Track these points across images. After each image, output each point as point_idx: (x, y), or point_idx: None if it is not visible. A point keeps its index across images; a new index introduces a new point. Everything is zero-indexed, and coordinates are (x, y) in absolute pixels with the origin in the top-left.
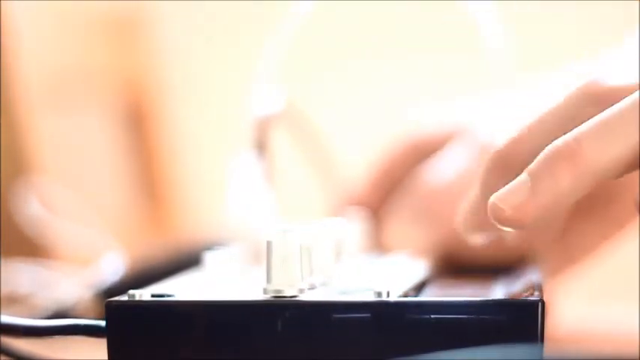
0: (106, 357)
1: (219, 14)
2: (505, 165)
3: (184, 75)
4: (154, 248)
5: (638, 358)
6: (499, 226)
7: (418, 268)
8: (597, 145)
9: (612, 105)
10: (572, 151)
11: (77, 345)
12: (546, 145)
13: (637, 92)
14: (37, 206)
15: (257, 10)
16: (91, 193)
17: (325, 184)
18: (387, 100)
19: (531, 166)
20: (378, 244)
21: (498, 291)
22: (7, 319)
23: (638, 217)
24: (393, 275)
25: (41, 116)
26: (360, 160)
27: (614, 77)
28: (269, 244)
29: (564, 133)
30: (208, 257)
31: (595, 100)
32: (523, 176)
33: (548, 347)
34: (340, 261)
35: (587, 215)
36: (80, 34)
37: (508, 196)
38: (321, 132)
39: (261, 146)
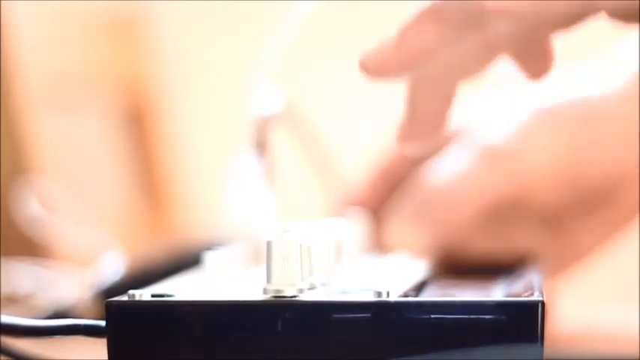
0: (106, 357)
1: (219, 14)
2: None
3: (184, 75)
4: (154, 248)
5: (638, 358)
6: (368, 77)
7: (418, 268)
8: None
9: None
10: (435, 5)
11: (77, 345)
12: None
13: None
14: (37, 206)
15: (257, 10)
16: (91, 193)
17: (325, 184)
18: (387, 100)
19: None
20: (378, 244)
21: (498, 291)
22: (7, 319)
23: (637, 218)
24: (393, 275)
25: (41, 116)
26: (360, 160)
27: None
28: (269, 244)
29: None
30: (208, 257)
31: None
32: (392, 34)
33: (548, 347)
34: (340, 261)
35: (587, 215)
36: (80, 35)
37: (374, 50)
38: (321, 132)
39: (261, 146)
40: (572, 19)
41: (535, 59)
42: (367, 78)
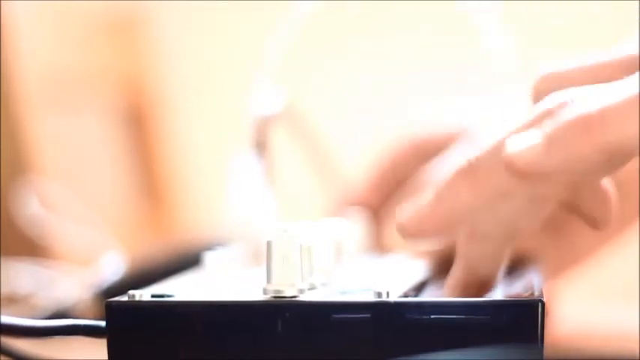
0: (106, 357)
1: (219, 14)
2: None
3: (184, 75)
4: (154, 248)
5: (638, 358)
6: (405, 239)
7: (418, 268)
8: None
9: None
10: (470, 164)
11: (77, 345)
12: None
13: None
14: (37, 206)
15: (257, 10)
16: (91, 193)
17: (325, 184)
18: (387, 100)
19: (551, 126)
20: (378, 244)
21: (498, 291)
22: (7, 319)
23: (638, 219)
24: (393, 275)
25: (41, 116)
26: (360, 160)
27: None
28: (269, 244)
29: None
30: (208, 257)
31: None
32: (428, 192)
33: (548, 347)
34: (340, 261)
35: None
36: (80, 35)
37: (411, 210)
38: (320, 132)
39: (261, 146)
40: (607, 165)
41: (592, 206)
42: (404, 238)
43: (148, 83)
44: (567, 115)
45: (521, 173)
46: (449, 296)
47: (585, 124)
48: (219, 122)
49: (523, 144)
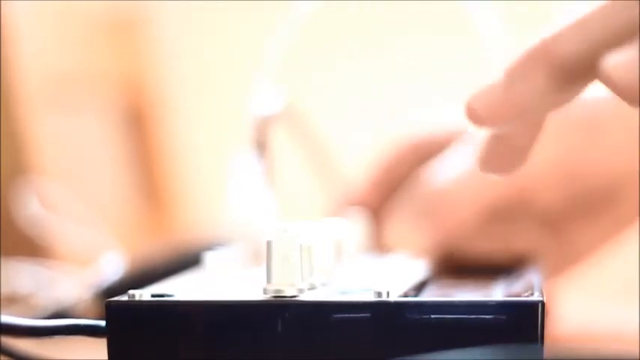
0: (106, 357)
1: (219, 15)
2: (548, 59)
3: (184, 75)
4: (154, 248)
5: (638, 358)
6: (475, 126)
7: (418, 268)
8: (571, 42)
9: None
10: (546, 48)
11: (77, 345)
12: (599, 45)
13: None
14: (37, 206)
15: (257, 10)
16: (91, 193)
17: (325, 184)
18: (387, 100)
19: (509, 66)
20: (378, 244)
21: (498, 291)
22: (7, 319)
23: (638, 219)
24: (393, 275)
25: (41, 116)
26: (360, 160)
27: None
28: (269, 243)
29: (616, 33)
30: (208, 257)
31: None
32: (500, 76)
33: (548, 347)
34: (340, 261)
35: (587, 217)
36: (80, 35)
37: (482, 95)
38: (321, 132)
39: (261, 146)
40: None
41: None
42: (475, 124)
43: (148, 83)
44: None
45: (622, 92)
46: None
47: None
48: (219, 122)
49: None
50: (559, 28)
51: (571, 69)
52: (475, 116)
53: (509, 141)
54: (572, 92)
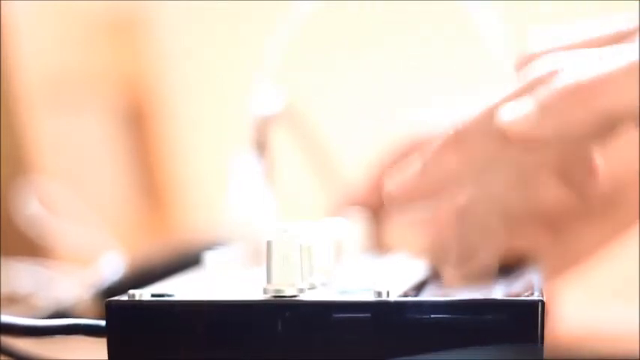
0: (106, 357)
1: (220, 14)
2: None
3: (184, 75)
4: (154, 248)
5: (638, 358)
6: (393, 205)
7: (418, 268)
8: (477, 132)
9: None
10: (456, 134)
11: (77, 345)
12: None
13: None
14: (37, 206)
15: (257, 10)
16: (91, 193)
17: (325, 184)
18: (387, 100)
19: (545, 93)
20: (378, 244)
21: (498, 291)
22: (7, 319)
23: (638, 221)
24: (393, 275)
25: (41, 116)
26: (360, 160)
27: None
28: (269, 244)
29: None
30: (208, 257)
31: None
32: (417, 162)
33: (548, 347)
34: (340, 261)
35: (588, 217)
36: (80, 35)
37: (400, 178)
38: (321, 132)
39: (261, 146)
40: (600, 132)
41: (579, 176)
42: (391, 206)
43: (148, 83)
44: (561, 82)
45: (515, 141)
46: (450, 289)
47: (579, 90)
48: (220, 122)
49: (517, 112)
50: (469, 116)
51: (483, 149)
52: (390, 197)
53: (470, 260)
54: (507, 184)
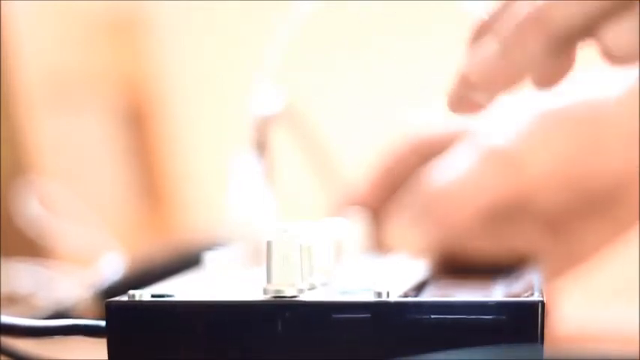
0: (106, 357)
1: (219, 15)
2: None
3: (184, 75)
4: (154, 248)
5: (638, 358)
6: (473, 95)
7: (418, 268)
8: (568, 7)
9: None
10: (542, 14)
11: (77, 345)
12: (584, 16)
13: None
14: (37, 206)
15: (257, 11)
16: (91, 193)
17: (325, 184)
18: (387, 100)
19: (500, 30)
20: (378, 244)
21: (498, 291)
22: (7, 319)
23: (639, 221)
24: (393, 275)
25: (41, 116)
26: (360, 160)
27: None
28: (269, 244)
29: None
30: (208, 257)
31: None
32: (491, 43)
33: (548, 347)
34: (340, 261)
35: (588, 218)
36: (80, 35)
37: (478, 63)
38: (321, 132)
39: (261, 146)
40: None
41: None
42: (469, 92)
43: (148, 83)
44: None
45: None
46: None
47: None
48: (220, 122)
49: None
50: None
51: (566, 36)
52: (468, 81)
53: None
54: (566, 58)
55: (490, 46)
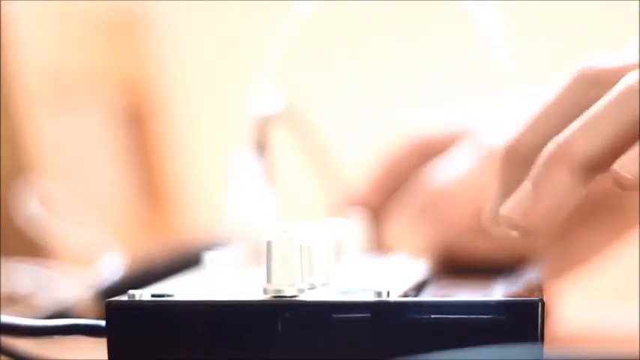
0: (106, 357)
1: (219, 15)
2: (516, 160)
3: (184, 75)
4: (154, 248)
5: (638, 358)
6: (513, 234)
7: (418, 268)
8: (583, 140)
9: (611, 86)
10: (561, 150)
11: (77, 345)
12: (555, 135)
13: (616, 87)
14: (37, 206)
15: (257, 11)
16: (91, 193)
17: (325, 184)
18: (387, 100)
19: (532, 171)
20: (378, 244)
21: (498, 291)
22: (7, 319)
23: (639, 223)
24: (393, 275)
25: (41, 116)
26: (360, 160)
27: (610, 58)
28: (269, 244)
29: (571, 121)
30: (208, 257)
31: (594, 82)
32: (525, 184)
33: (548, 347)
34: (340, 261)
35: (590, 219)
36: (80, 34)
37: (514, 205)
38: (321, 132)
39: (261, 146)
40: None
41: None
42: (517, 233)
43: (148, 83)
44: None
45: (633, 187)
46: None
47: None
48: (220, 122)
49: (628, 160)
50: (572, 131)
51: (590, 165)
52: (513, 226)
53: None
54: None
55: (523, 186)
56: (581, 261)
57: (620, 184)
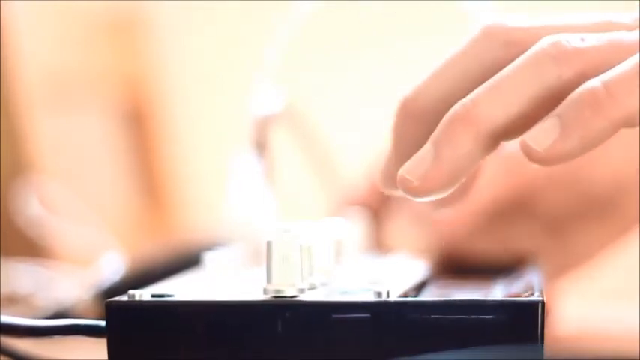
0: (106, 357)
1: (219, 14)
2: (414, 114)
3: (184, 75)
4: (154, 248)
5: (638, 358)
6: (410, 197)
7: (418, 268)
8: (492, 105)
9: (520, 47)
10: (467, 113)
11: (77, 345)
12: (456, 92)
13: (530, 50)
14: (37, 206)
15: (257, 11)
16: (91, 193)
17: (325, 184)
18: (387, 100)
19: (434, 133)
20: (378, 244)
21: (498, 291)
22: (7, 319)
23: (639, 223)
24: (393, 275)
25: (41, 116)
26: (360, 160)
27: (522, 19)
28: (269, 244)
29: (474, 79)
30: (208, 257)
31: (504, 42)
32: (427, 145)
33: (548, 347)
34: (340, 261)
35: (589, 220)
36: (80, 35)
37: (413, 166)
38: (321, 132)
39: (261, 146)
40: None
41: None
42: (412, 196)
43: (148, 83)
44: (575, 94)
45: (542, 161)
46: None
47: (595, 101)
48: (219, 122)
49: (540, 133)
50: (480, 94)
51: (496, 132)
52: (410, 188)
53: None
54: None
55: (424, 148)
56: (580, 261)
57: (530, 156)
